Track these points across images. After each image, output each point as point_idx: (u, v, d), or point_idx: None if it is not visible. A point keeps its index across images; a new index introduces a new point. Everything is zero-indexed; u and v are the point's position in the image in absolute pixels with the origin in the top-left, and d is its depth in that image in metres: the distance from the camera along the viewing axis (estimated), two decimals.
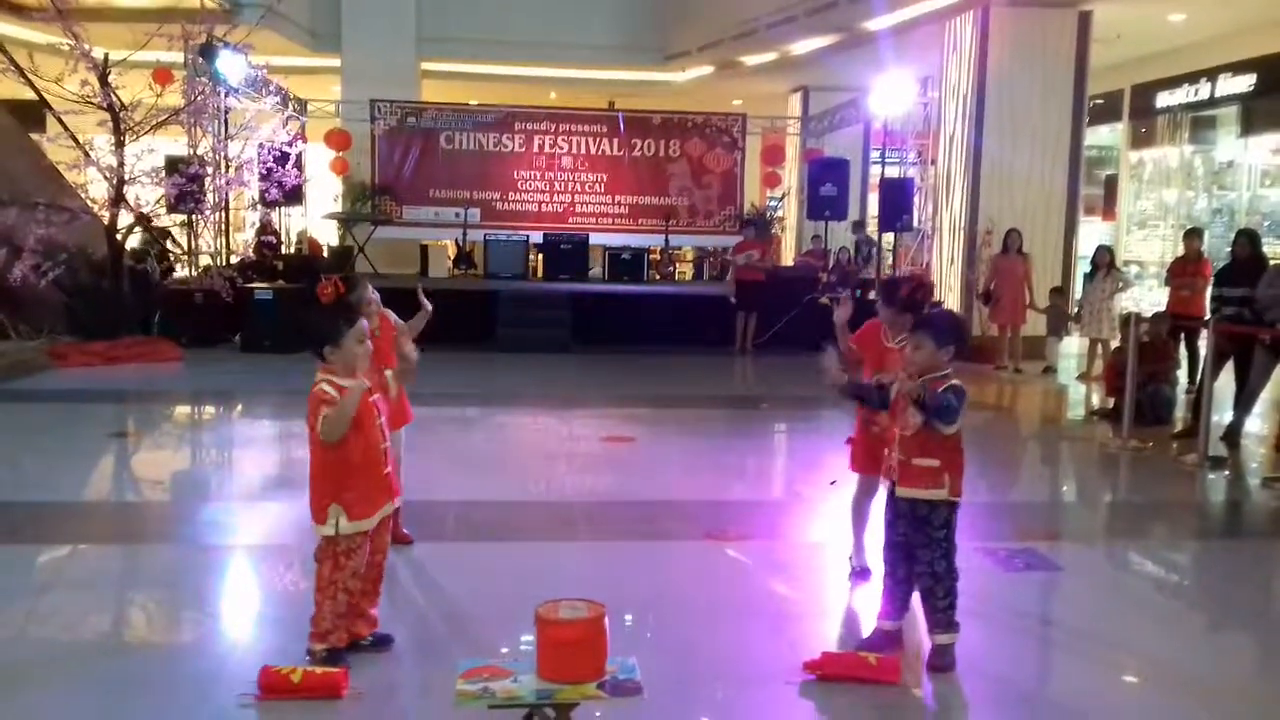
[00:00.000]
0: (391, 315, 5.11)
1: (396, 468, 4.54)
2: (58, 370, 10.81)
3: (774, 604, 4.77)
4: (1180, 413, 9.31)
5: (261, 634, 4.28)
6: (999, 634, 4.31)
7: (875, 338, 4.76)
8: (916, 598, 4.05)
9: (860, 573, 4.96)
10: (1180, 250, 11.64)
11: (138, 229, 12.91)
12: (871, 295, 13.60)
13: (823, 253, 16.94)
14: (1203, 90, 15.63)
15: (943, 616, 3.95)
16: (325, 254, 17.45)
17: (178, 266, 14.29)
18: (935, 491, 3.88)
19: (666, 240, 17.21)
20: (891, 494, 4.03)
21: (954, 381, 3.86)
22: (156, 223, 13.32)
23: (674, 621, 4.45)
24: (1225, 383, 8.43)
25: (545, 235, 16.46)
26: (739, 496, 7.00)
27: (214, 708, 3.56)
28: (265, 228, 16.36)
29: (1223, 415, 8.52)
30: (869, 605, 4.55)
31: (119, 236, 12.33)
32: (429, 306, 5.13)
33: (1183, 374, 10.23)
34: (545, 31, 19.06)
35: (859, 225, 17.53)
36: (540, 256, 16.48)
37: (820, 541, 5.56)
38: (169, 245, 13.84)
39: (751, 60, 18.19)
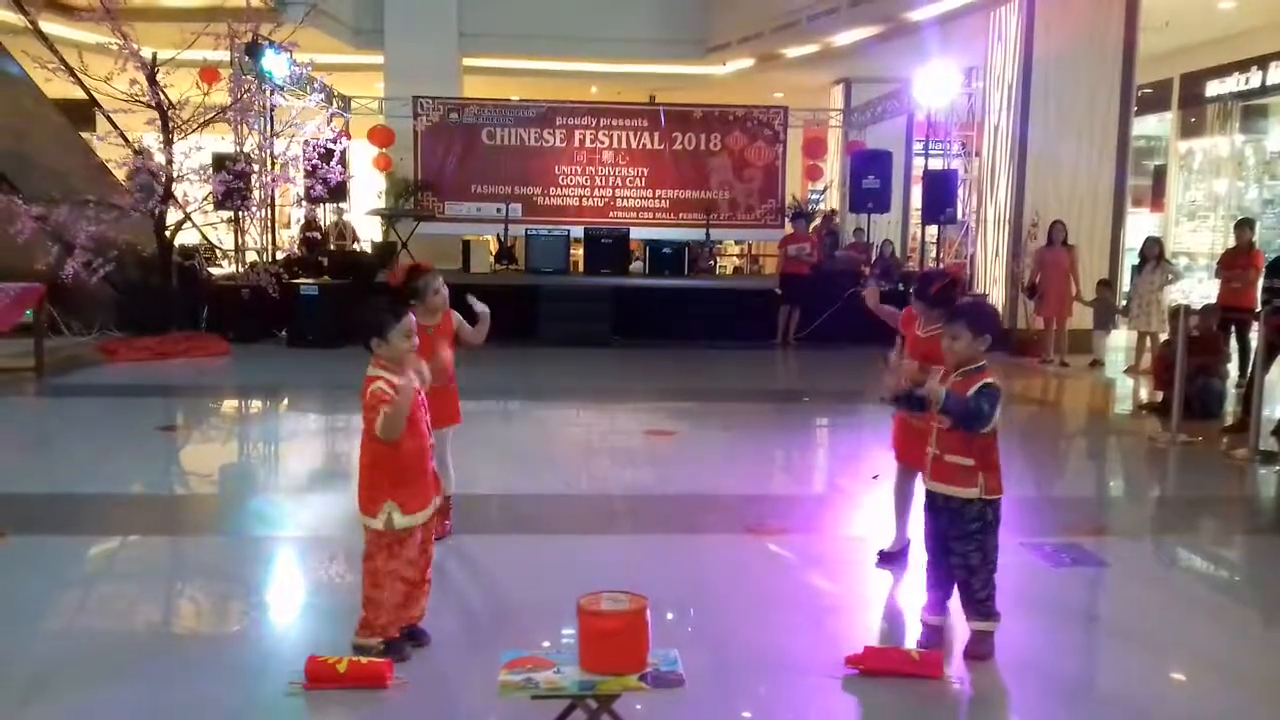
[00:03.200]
0: (456, 316, 5.11)
1: (441, 466, 4.64)
2: (108, 365, 11.01)
3: (815, 598, 4.75)
4: (1230, 407, 9.15)
5: (308, 624, 4.33)
6: (1044, 629, 4.26)
7: (912, 324, 4.85)
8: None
9: (896, 554, 4.99)
10: (1231, 241, 11.44)
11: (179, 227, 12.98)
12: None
13: (865, 246, 16.83)
14: (1254, 78, 15.36)
15: (980, 606, 3.93)
16: (358, 242, 17.63)
17: (224, 263, 14.48)
18: (968, 490, 3.86)
19: (708, 234, 17.16)
20: (929, 487, 4.02)
21: (988, 380, 3.83)
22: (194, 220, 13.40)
23: (715, 614, 4.45)
24: (1276, 376, 8.29)
25: (586, 230, 16.44)
26: (780, 490, 6.99)
27: (261, 697, 3.61)
28: (310, 224, 16.52)
29: (1274, 409, 8.38)
30: (910, 599, 4.53)
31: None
32: (485, 307, 5.08)
33: (1233, 367, 10.06)
34: (586, 26, 19.11)
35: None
36: (581, 251, 16.50)
37: (861, 535, 5.53)
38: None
39: (793, 52, 18.10)
